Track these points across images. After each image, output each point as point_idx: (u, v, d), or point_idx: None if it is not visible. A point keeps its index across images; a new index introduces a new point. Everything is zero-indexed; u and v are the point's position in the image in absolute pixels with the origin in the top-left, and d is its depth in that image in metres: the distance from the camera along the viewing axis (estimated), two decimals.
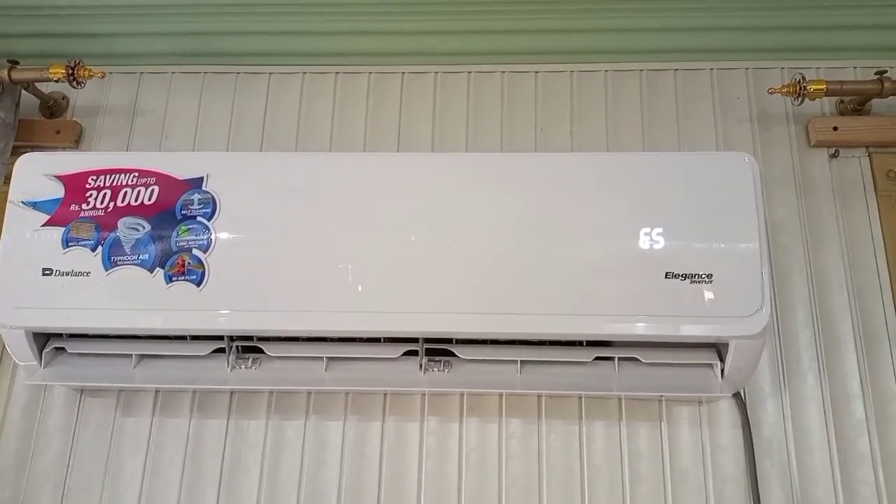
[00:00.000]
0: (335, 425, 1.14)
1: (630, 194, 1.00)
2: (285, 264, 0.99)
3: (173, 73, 1.34)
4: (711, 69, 1.30)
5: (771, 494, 1.09)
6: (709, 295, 0.96)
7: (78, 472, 1.14)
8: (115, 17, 1.30)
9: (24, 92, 1.26)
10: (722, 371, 1.02)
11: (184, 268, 0.98)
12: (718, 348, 1.03)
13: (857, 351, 1.15)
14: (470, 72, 1.32)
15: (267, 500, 1.11)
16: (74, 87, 1.20)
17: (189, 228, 1.00)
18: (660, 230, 0.98)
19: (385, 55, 1.32)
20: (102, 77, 1.19)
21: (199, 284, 0.98)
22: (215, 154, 1.14)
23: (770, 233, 1.18)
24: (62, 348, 1.05)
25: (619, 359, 1.04)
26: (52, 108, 1.30)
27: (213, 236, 0.99)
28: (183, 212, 1.00)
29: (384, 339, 1.04)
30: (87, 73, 1.19)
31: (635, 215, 0.99)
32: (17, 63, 1.22)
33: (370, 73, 1.33)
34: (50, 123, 1.29)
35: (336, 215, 1.00)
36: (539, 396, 1.15)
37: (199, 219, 1.00)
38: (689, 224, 0.98)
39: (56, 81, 1.19)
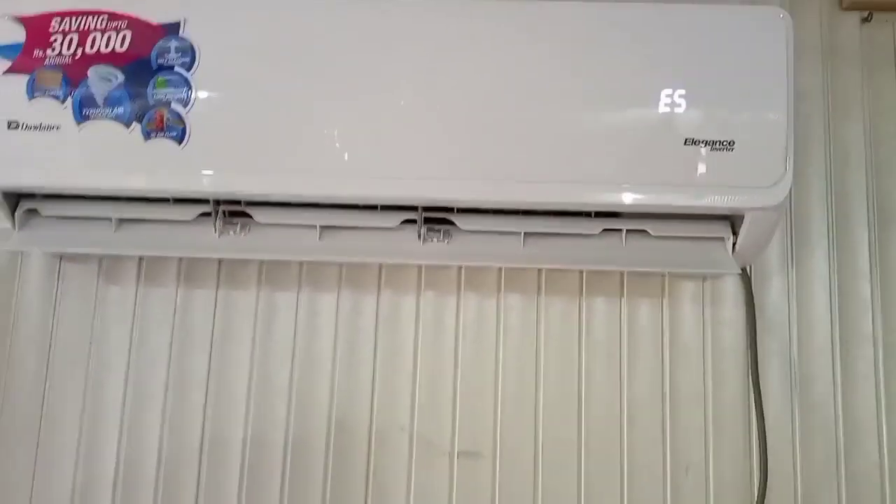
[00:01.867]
0: (329, 297, 1.10)
1: (649, 51, 0.92)
2: (274, 122, 0.91)
3: None
4: None
5: (770, 370, 1.08)
6: (729, 163, 0.89)
7: (62, 341, 1.10)
8: None
9: None
10: (734, 245, 0.98)
11: (163, 123, 0.90)
12: (732, 221, 0.98)
13: (869, 229, 1.11)
14: None
15: (259, 370, 1.09)
16: None
17: (167, 80, 0.90)
18: (682, 92, 0.90)
19: None
20: None
21: (180, 142, 0.90)
22: None
23: None
24: (35, 210, 0.98)
25: (627, 231, 0.99)
26: None
27: (193, 90, 0.90)
28: (159, 61, 0.91)
29: (381, 207, 0.98)
30: None
31: (655, 74, 0.91)
32: None
33: None
34: None
35: (329, 68, 0.91)
36: (539, 271, 1.11)
37: (176, 69, 0.90)
38: (713, 86, 0.90)
39: None
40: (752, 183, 0.90)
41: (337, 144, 0.90)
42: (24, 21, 0.91)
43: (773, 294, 1.10)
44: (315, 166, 0.91)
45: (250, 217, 0.98)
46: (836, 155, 1.12)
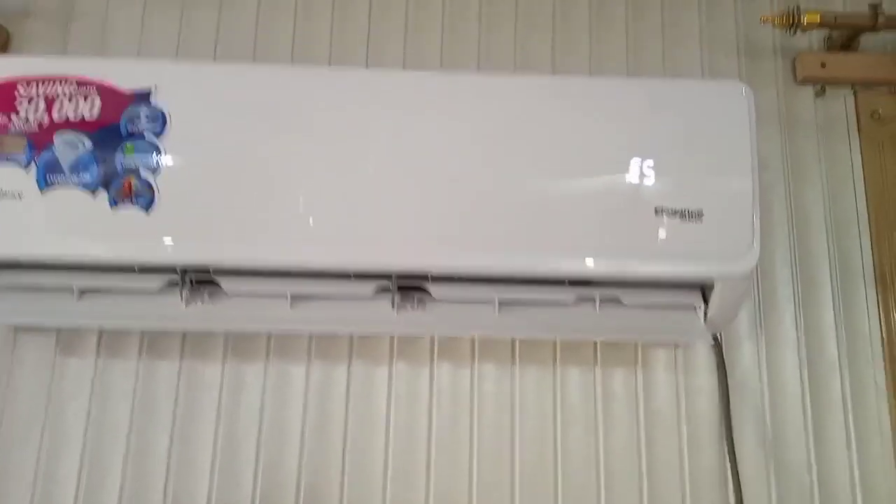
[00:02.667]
0: (298, 369, 1.07)
1: (619, 122, 0.94)
2: (244, 189, 0.89)
3: None
4: None
5: (744, 436, 1.08)
6: (698, 232, 0.91)
7: (14, 417, 1.04)
8: None
9: None
10: (705, 313, 0.99)
11: (131, 190, 0.88)
12: (703, 289, 0.99)
13: (832, 292, 1.14)
14: None
15: (224, 445, 1.04)
16: None
17: (136, 146, 0.89)
18: (650, 162, 0.92)
19: None
20: None
21: (147, 209, 0.88)
22: (164, 63, 1.01)
23: None
24: None
25: (601, 299, 0.99)
26: None
27: (163, 156, 0.89)
28: (129, 128, 0.89)
29: (354, 275, 0.96)
30: None
31: (624, 146, 0.92)
32: None
33: None
34: None
35: (301, 136, 0.91)
36: (513, 340, 1.10)
37: (146, 136, 0.89)
38: (680, 157, 0.92)
39: None
40: (722, 252, 0.91)
41: (309, 212, 0.89)
42: None
43: (745, 360, 1.11)
44: (287, 234, 0.90)
45: (218, 285, 0.96)
46: (798, 221, 1.15)
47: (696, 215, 0.91)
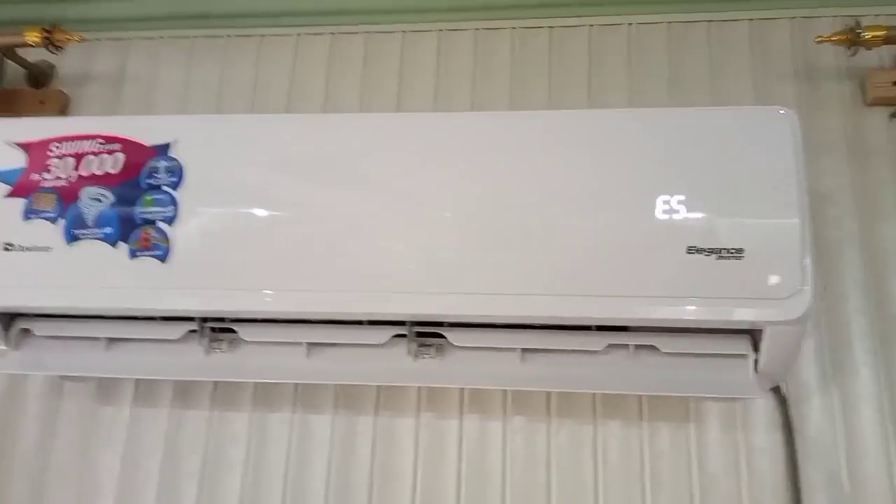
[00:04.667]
0: (323, 419, 1.05)
1: (647, 156, 0.87)
2: (257, 239, 0.89)
3: (161, 38, 1.27)
4: (750, 20, 1.14)
5: None
6: (739, 273, 0.81)
7: (54, 464, 1.08)
8: None
9: (9, 62, 1.20)
10: (756, 363, 0.88)
11: (148, 242, 0.90)
12: (753, 336, 0.89)
13: None
14: (477, 28, 1.20)
15: (249, 495, 1.03)
16: (52, 52, 1.14)
17: (154, 199, 0.91)
18: (681, 197, 0.84)
19: (383, 13, 1.21)
20: (80, 41, 1.12)
21: (163, 260, 0.89)
22: (183, 117, 1.05)
23: (818, 204, 1.02)
24: (29, 330, 0.98)
25: (636, 347, 0.91)
26: (38, 77, 1.24)
27: (178, 208, 0.90)
28: (148, 181, 0.92)
29: (369, 322, 0.93)
30: (64, 37, 1.12)
31: (653, 180, 0.85)
32: None
33: (367, 32, 1.22)
34: (34, 93, 1.23)
35: (312, 183, 0.90)
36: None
37: (164, 188, 0.91)
38: (715, 190, 0.84)
39: (32, 46, 1.13)
40: (766, 294, 0.81)
41: (319, 260, 0.88)
42: (26, 146, 0.95)
43: (815, 416, 0.98)
44: (296, 283, 0.88)
45: (237, 333, 0.95)
46: (874, 260, 1.02)
47: (735, 254, 0.82)
